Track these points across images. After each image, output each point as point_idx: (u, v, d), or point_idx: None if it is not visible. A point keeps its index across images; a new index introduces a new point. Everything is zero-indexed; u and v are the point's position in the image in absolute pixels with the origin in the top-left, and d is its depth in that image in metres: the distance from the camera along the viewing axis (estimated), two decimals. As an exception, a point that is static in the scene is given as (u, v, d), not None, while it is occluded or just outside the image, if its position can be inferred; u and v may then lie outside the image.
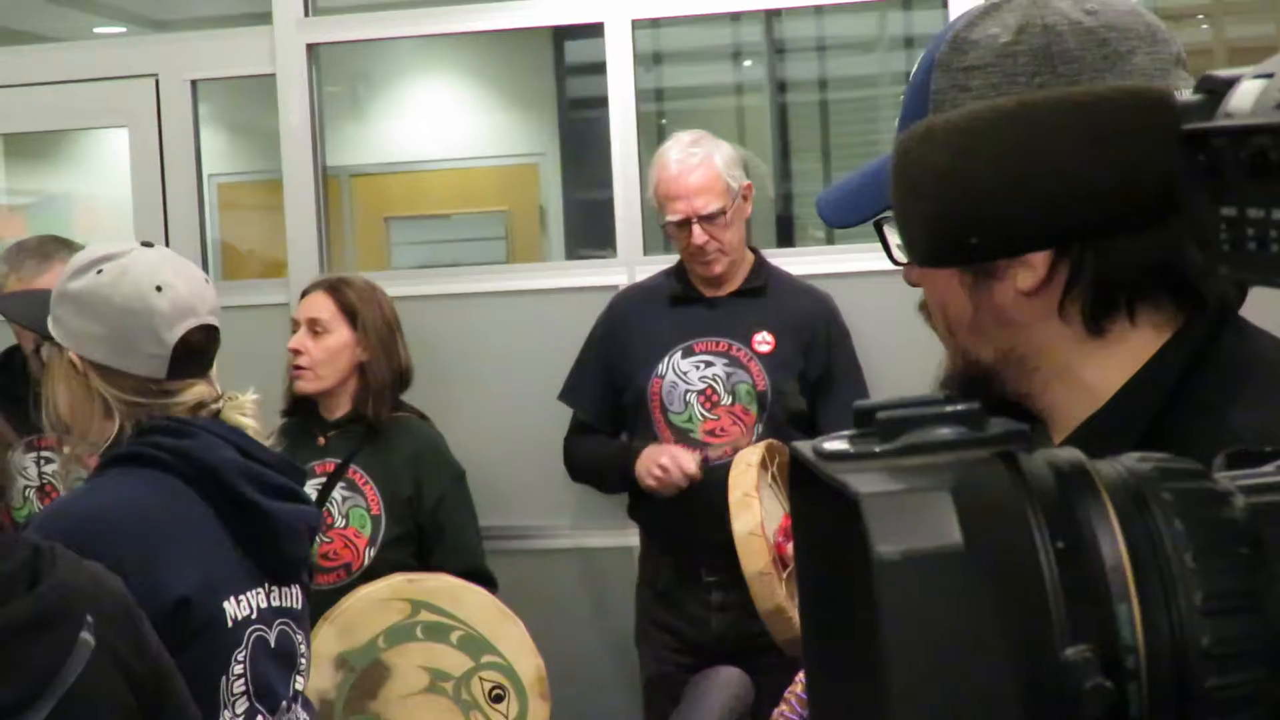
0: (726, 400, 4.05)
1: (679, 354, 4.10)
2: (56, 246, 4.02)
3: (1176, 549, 0.61)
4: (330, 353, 4.05)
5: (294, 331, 4.10)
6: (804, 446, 0.66)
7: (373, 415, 4.07)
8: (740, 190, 4.05)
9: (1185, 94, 0.70)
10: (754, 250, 4.23)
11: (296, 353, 4.04)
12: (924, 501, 0.58)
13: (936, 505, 0.58)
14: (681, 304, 4.16)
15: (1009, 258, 1.22)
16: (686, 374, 4.08)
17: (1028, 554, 0.60)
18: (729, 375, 4.06)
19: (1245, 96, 0.65)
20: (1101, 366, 1.28)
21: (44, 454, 4.06)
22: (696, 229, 4.01)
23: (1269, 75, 0.64)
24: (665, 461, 3.96)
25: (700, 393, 4.06)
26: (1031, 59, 1.25)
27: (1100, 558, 0.60)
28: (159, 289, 2.50)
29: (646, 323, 4.17)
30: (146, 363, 2.51)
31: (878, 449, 0.63)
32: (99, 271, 2.50)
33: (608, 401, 4.25)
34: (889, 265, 1.25)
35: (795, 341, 4.09)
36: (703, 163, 4.03)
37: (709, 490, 3.80)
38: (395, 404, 4.15)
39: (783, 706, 3.03)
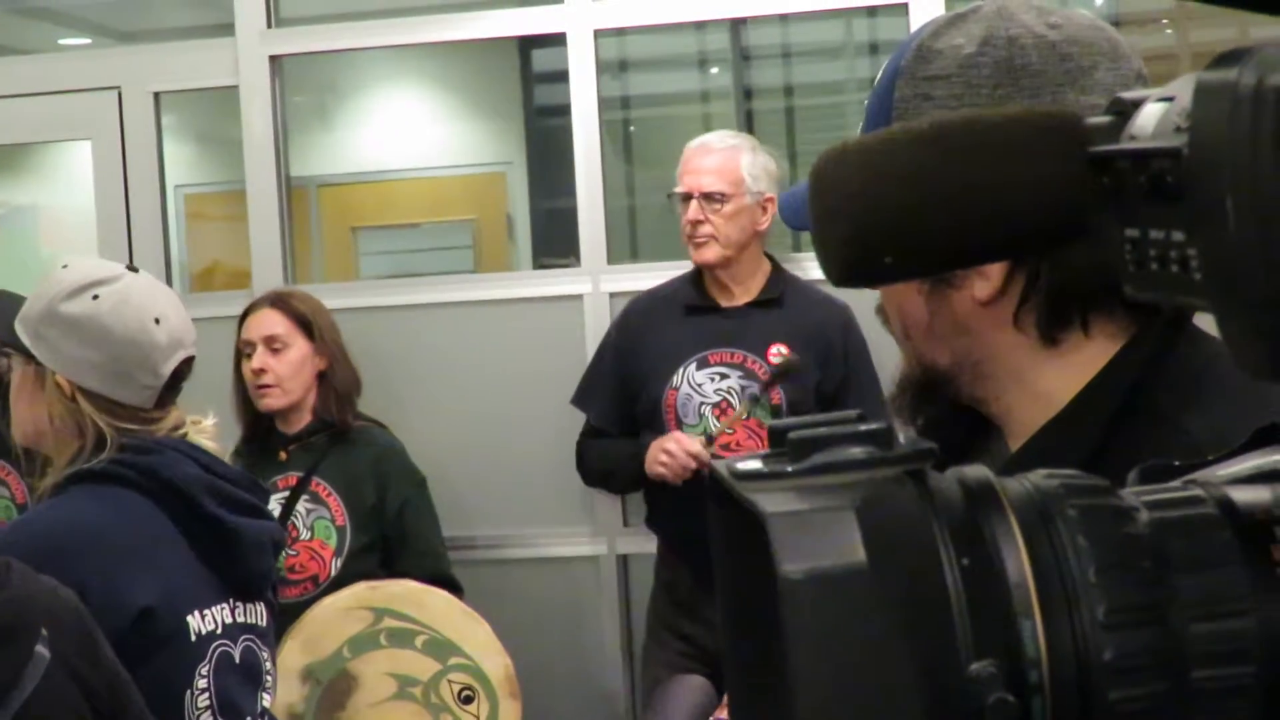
0: (742, 415, 4.05)
1: (694, 365, 4.11)
2: None
3: (1080, 564, 0.62)
4: (294, 366, 4.06)
5: (245, 353, 4.10)
6: (721, 465, 0.67)
7: (339, 421, 4.09)
8: (757, 193, 4.07)
9: (1094, 117, 0.71)
10: (772, 260, 4.24)
11: (260, 372, 4.04)
12: (829, 520, 0.59)
13: (841, 524, 0.59)
14: (696, 313, 4.17)
15: (924, 278, 1.24)
16: (701, 386, 4.09)
17: (933, 571, 0.61)
18: (744, 388, 4.06)
19: (1148, 119, 0.66)
20: (1055, 375, 1.29)
21: None
22: (693, 204, 4.05)
23: (1170, 99, 0.65)
24: (670, 446, 3.97)
25: (715, 405, 4.07)
26: (994, 71, 1.27)
27: (1004, 574, 0.61)
28: (157, 321, 2.51)
29: (660, 332, 4.18)
30: (139, 393, 2.52)
31: (789, 468, 0.63)
32: (95, 297, 2.49)
33: (619, 408, 4.25)
34: None
35: (811, 354, 4.08)
36: (725, 150, 4.11)
37: None
38: (355, 411, 4.17)
39: (721, 713, 3.05)
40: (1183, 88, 0.63)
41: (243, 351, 4.12)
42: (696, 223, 4.06)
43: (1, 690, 1.94)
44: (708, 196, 4.05)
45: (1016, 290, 1.28)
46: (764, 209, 4.10)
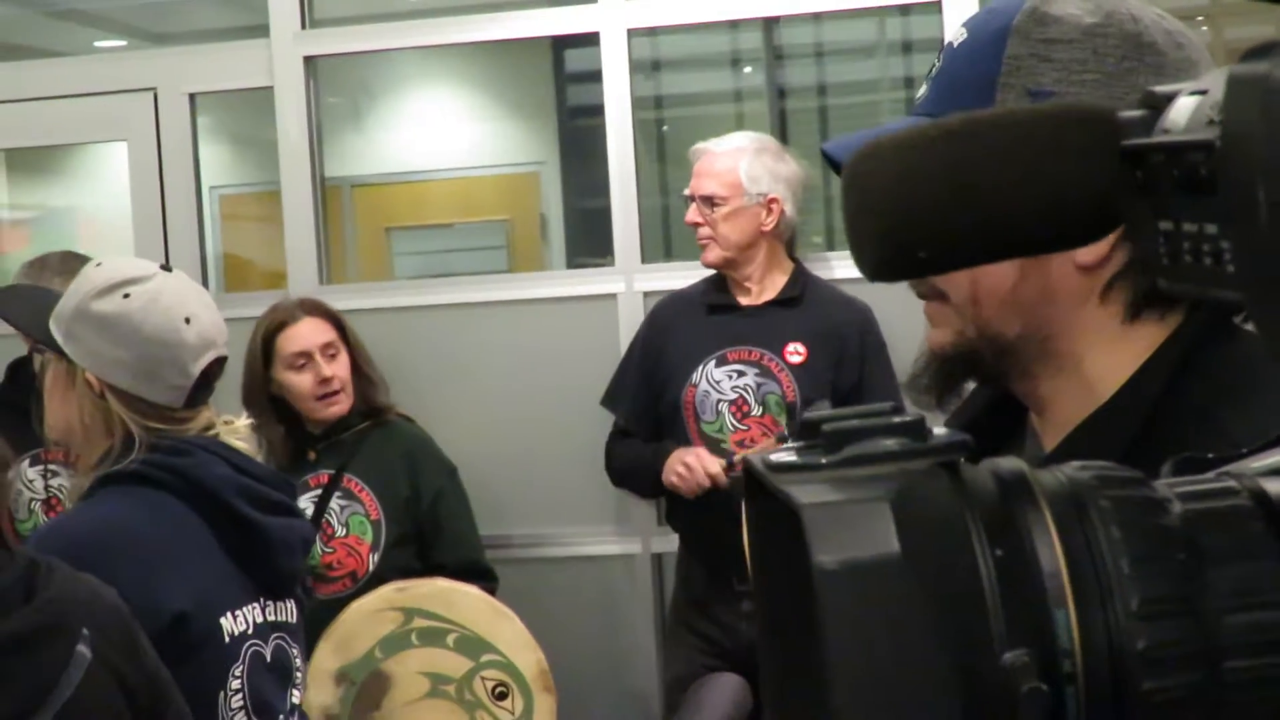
0: (756, 411, 4.08)
1: (713, 363, 4.14)
2: (80, 263, 4.02)
3: (1113, 555, 0.62)
4: (348, 369, 4.08)
5: (296, 366, 4.03)
6: (755, 458, 0.67)
7: (384, 407, 4.14)
8: (758, 195, 4.09)
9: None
10: (795, 260, 4.26)
11: (328, 380, 4.03)
12: (863, 512, 0.60)
13: (875, 515, 0.60)
14: (717, 312, 4.21)
15: (956, 271, 1.23)
16: (719, 383, 4.12)
17: (966, 561, 0.61)
18: (759, 385, 4.09)
19: (1181, 112, 0.66)
20: (1107, 361, 1.29)
21: (50, 467, 4.07)
22: (693, 206, 4.13)
23: (1204, 91, 0.65)
24: (690, 460, 4.01)
25: (732, 402, 4.10)
26: (1122, 43, 1.28)
27: (1038, 564, 0.62)
28: (188, 321, 2.51)
29: (683, 331, 4.22)
30: (167, 392, 2.52)
31: (824, 460, 0.64)
32: (126, 295, 2.49)
33: (646, 408, 4.28)
34: None
35: (827, 353, 4.11)
36: (725, 154, 4.15)
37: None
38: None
39: None
40: (1215, 81, 0.63)
41: (293, 364, 4.04)
42: (696, 225, 4.14)
43: (42, 691, 1.95)
44: (706, 199, 4.11)
45: (1119, 259, 1.27)
46: (768, 209, 4.12)
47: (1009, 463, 0.66)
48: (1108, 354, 1.29)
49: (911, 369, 1.42)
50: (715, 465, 3.98)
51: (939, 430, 0.65)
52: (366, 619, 3.67)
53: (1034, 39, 1.30)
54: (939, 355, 1.37)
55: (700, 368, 4.14)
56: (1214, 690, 0.62)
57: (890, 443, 0.64)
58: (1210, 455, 0.71)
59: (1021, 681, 0.59)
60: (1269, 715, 0.62)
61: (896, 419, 0.65)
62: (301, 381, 4.03)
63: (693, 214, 4.13)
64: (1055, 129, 0.70)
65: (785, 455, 0.65)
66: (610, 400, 4.38)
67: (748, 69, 8.00)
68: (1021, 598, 0.61)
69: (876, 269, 0.73)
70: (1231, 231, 0.60)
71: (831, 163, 1.38)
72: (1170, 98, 0.68)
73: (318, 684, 3.57)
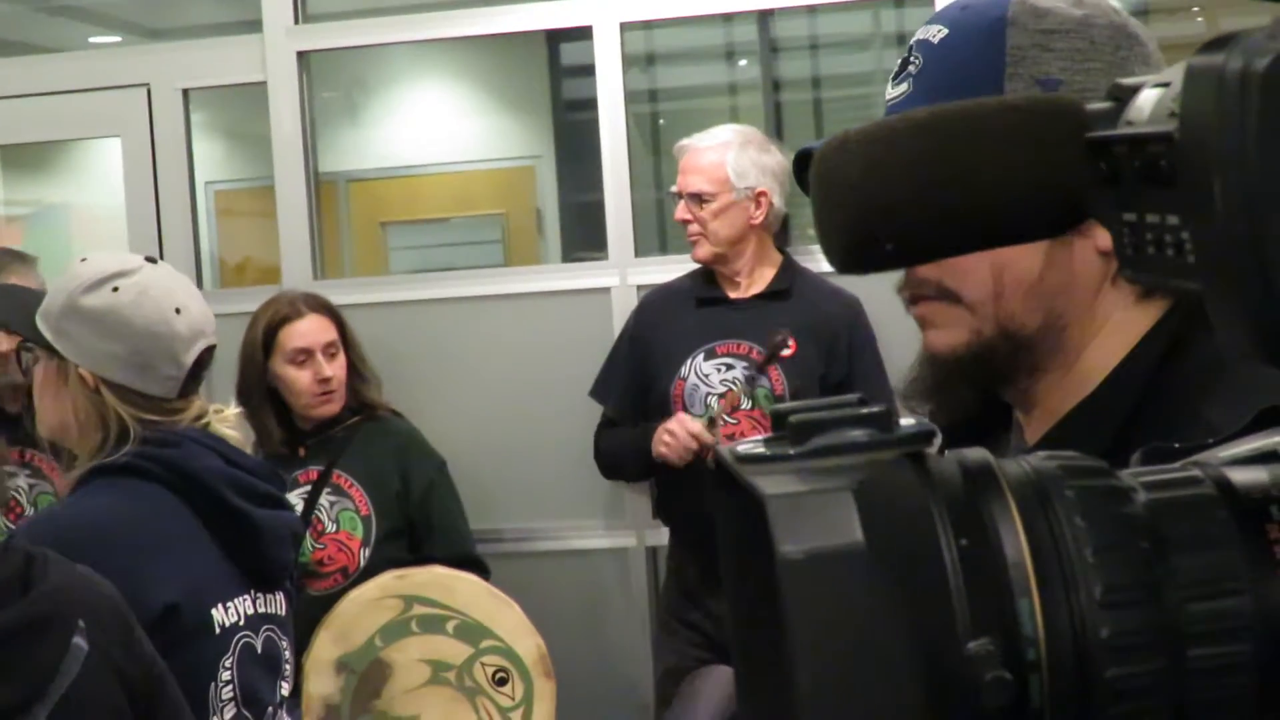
0: (746, 404, 4.08)
1: (701, 356, 4.14)
2: (10, 259, 4.01)
3: (1077, 544, 0.62)
4: (344, 369, 4.08)
5: (297, 362, 4.02)
6: (725, 450, 0.67)
7: (378, 404, 4.14)
8: (746, 189, 4.09)
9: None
10: (784, 253, 4.26)
11: (327, 380, 4.02)
12: (827, 502, 0.60)
13: (839, 505, 0.60)
14: (706, 305, 4.21)
15: (925, 263, 1.24)
16: (708, 376, 4.12)
17: (931, 551, 0.61)
18: (749, 379, 4.08)
19: (1144, 104, 0.67)
20: (1101, 351, 1.30)
21: (6, 469, 4.05)
22: (681, 204, 4.14)
23: (1166, 84, 0.66)
24: (672, 426, 4.01)
25: (721, 396, 4.09)
26: (1114, 34, 1.31)
27: (1002, 554, 0.62)
28: (178, 311, 2.52)
29: (671, 323, 4.23)
30: (162, 383, 2.52)
31: (791, 451, 0.64)
32: (115, 289, 2.50)
33: (634, 400, 4.29)
34: None
35: (816, 346, 4.11)
36: (713, 149, 4.15)
37: None
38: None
39: None
40: (1177, 73, 0.64)
41: (293, 359, 4.03)
42: (685, 222, 4.15)
43: (40, 683, 1.96)
44: (694, 196, 4.12)
45: None
46: (757, 203, 4.12)
47: (974, 453, 0.66)
48: (1105, 342, 1.30)
49: (909, 373, 1.41)
50: (696, 424, 4.00)
51: (906, 421, 0.65)
52: (366, 607, 3.67)
53: (1033, 30, 1.31)
54: (949, 358, 1.35)
55: (689, 361, 4.15)
56: (1178, 677, 0.62)
57: (857, 434, 0.64)
58: (1177, 445, 0.71)
59: (985, 670, 0.60)
60: (1232, 702, 0.63)
61: (863, 410, 0.65)
62: (300, 378, 4.02)
63: (681, 211, 4.15)
64: (1022, 121, 0.71)
65: (753, 447, 0.66)
66: (599, 392, 4.39)
67: (742, 62, 8.00)
68: (986, 587, 0.61)
69: (844, 261, 0.73)
70: (1190, 222, 0.60)
71: None
72: (1135, 90, 0.69)
73: (318, 674, 3.58)
